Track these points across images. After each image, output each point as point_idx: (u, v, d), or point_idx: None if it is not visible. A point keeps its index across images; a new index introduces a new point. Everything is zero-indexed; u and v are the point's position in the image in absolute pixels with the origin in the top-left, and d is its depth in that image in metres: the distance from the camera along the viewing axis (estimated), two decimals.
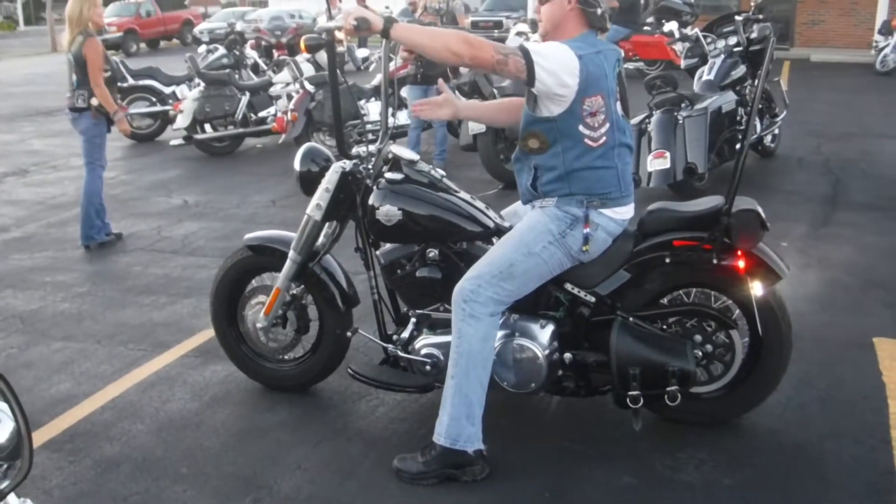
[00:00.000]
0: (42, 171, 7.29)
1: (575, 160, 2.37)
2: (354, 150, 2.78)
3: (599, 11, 2.35)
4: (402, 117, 6.81)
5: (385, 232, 2.65)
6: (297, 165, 2.86)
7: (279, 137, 7.33)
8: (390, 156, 2.70)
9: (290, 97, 7.26)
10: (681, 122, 5.22)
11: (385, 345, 2.77)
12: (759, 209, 2.51)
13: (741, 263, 2.47)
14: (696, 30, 6.84)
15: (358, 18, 2.26)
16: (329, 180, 2.71)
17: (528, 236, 2.44)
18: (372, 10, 2.28)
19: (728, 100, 5.78)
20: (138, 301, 4.07)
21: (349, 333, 2.89)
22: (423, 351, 2.65)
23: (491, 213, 2.71)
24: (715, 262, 2.49)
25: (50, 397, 3.09)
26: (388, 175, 2.64)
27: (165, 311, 3.90)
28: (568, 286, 2.56)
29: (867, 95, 10.35)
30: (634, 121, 5.48)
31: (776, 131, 6.68)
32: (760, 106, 6.41)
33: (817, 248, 4.59)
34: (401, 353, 2.70)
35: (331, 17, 2.50)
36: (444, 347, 2.58)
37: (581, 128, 2.33)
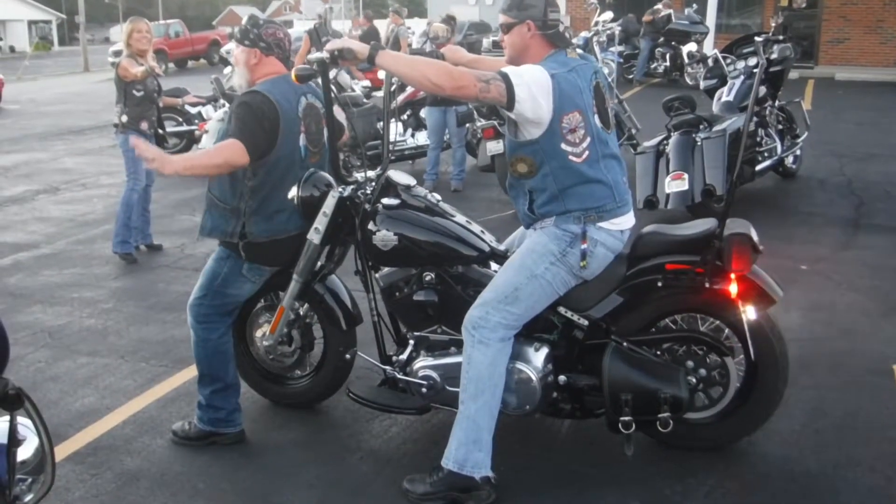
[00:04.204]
0: (72, 189, 7.49)
1: (565, 178, 2.40)
2: (353, 176, 2.82)
3: (562, 28, 2.41)
4: (421, 138, 6.88)
5: (382, 256, 2.70)
6: (298, 190, 2.81)
7: None
8: (387, 180, 2.74)
9: None
10: (699, 143, 5.22)
11: (384, 367, 2.81)
12: (752, 232, 2.49)
13: (734, 287, 2.46)
14: (716, 51, 6.85)
15: (342, 49, 2.33)
16: (327, 205, 2.73)
17: (529, 259, 2.47)
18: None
19: None
20: (161, 318, 4.17)
21: (348, 355, 2.94)
22: (421, 373, 2.68)
23: (487, 236, 2.74)
24: (707, 285, 2.49)
25: (75, 411, 3.18)
26: (385, 200, 2.68)
27: (186, 328, 3.93)
28: (561, 309, 2.58)
29: (893, 115, 10.23)
30: (652, 142, 5.50)
31: (797, 152, 6.64)
32: (781, 127, 6.39)
33: (838, 272, 4.55)
34: (399, 375, 2.74)
35: (319, 49, 2.55)
36: (441, 369, 2.63)
37: (563, 145, 2.36)
